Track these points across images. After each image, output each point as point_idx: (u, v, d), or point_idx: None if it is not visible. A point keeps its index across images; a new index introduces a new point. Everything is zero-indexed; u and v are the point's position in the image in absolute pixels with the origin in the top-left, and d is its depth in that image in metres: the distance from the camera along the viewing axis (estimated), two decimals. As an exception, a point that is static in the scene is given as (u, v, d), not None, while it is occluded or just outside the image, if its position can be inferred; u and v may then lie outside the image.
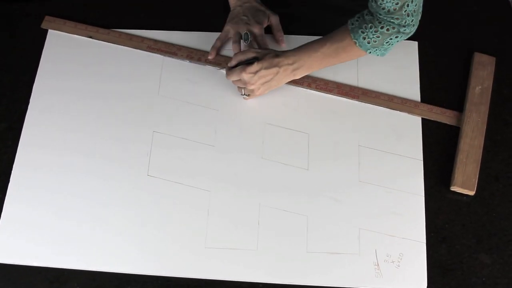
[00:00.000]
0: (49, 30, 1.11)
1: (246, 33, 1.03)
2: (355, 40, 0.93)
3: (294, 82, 1.04)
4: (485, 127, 1.00)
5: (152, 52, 1.08)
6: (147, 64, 1.08)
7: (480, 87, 1.03)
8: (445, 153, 1.00)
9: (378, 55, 0.95)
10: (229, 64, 0.99)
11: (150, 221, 0.96)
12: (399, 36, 0.92)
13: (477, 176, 0.97)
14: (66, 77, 1.07)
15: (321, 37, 0.97)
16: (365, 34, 0.92)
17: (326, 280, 0.91)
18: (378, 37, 0.91)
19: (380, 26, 0.91)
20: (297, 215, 0.95)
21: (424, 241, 0.93)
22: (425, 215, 0.95)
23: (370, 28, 0.91)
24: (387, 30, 0.91)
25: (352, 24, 0.93)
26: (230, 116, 1.03)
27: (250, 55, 0.98)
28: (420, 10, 0.90)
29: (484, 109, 1.02)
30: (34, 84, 1.07)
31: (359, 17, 0.94)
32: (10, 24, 1.14)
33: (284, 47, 1.06)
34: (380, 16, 0.90)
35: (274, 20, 1.07)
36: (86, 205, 0.97)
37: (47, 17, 1.12)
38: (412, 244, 0.93)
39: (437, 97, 1.04)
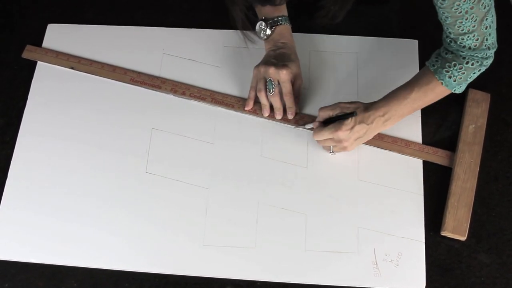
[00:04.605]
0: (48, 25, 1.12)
1: (270, 80, 0.97)
2: (441, 81, 0.91)
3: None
4: (478, 169, 0.97)
5: (135, 85, 1.05)
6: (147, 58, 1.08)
7: (473, 125, 1.00)
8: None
9: (458, 92, 0.93)
10: (318, 120, 0.96)
11: (148, 218, 0.95)
12: (481, 69, 0.91)
13: (469, 221, 0.93)
14: (64, 74, 1.07)
15: (404, 84, 0.94)
16: (450, 73, 0.90)
17: (324, 278, 0.91)
18: (463, 73, 0.90)
19: (465, 62, 0.89)
20: (296, 213, 0.95)
21: (423, 240, 0.93)
22: (424, 214, 0.95)
23: (454, 66, 0.90)
24: (472, 64, 0.89)
25: (433, 65, 0.91)
26: (229, 114, 1.03)
27: (338, 110, 0.94)
28: (496, 43, 0.90)
29: (478, 149, 0.98)
30: (33, 81, 1.07)
31: (437, 58, 0.92)
32: (10, 20, 1.14)
33: (292, 115, 1.00)
34: (463, 53, 0.89)
35: (300, 81, 1.01)
36: (84, 202, 0.97)
37: (28, 46, 1.09)
38: (411, 243, 0.93)
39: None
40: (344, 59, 1.08)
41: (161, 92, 1.05)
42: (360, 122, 0.92)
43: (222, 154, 1.00)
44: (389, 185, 0.97)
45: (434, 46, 1.07)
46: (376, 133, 0.96)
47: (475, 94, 1.03)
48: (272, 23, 1.01)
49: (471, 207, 0.95)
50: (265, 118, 1.02)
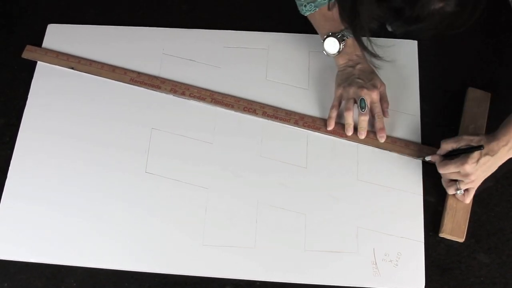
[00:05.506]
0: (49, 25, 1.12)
1: (363, 99, 0.97)
2: None
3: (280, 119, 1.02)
4: None
5: (135, 85, 1.05)
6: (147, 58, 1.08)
7: (473, 125, 0.99)
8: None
9: None
10: (439, 152, 0.94)
11: (148, 218, 0.95)
12: None
13: (467, 223, 0.93)
14: (64, 74, 1.07)
15: None
16: None
17: (324, 278, 0.91)
18: None
19: None
20: (295, 213, 0.95)
21: (423, 240, 0.93)
22: (424, 215, 0.95)
23: None
24: None
25: None
26: (228, 114, 1.03)
27: (463, 143, 0.91)
28: None
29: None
30: (33, 81, 1.07)
31: None
32: (9, 20, 1.14)
33: (388, 117, 1.01)
34: None
35: (383, 87, 1.01)
36: (84, 202, 0.97)
37: (28, 47, 1.09)
38: (411, 243, 0.93)
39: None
40: (343, 59, 1.08)
41: (160, 92, 1.05)
42: (485, 154, 0.90)
43: (222, 154, 1.00)
44: (389, 185, 0.97)
45: (434, 47, 1.08)
46: (500, 164, 0.93)
47: (475, 94, 1.03)
48: (341, 37, 0.99)
49: (469, 209, 0.95)
50: (264, 118, 1.02)
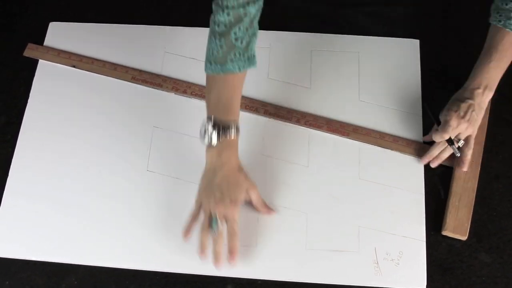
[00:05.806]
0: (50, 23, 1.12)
1: (216, 219, 0.87)
2: None
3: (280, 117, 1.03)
4: (479, 169, 0.97)
5: (137, 83, 1.05)
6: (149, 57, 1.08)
7: None
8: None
9: None
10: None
11: (149, 216, 0.95)
12: None
13: (470, 221, 0.93)
14: (66, 72, 1.07)
15: (482, 52, 0.94)
16: None
17: (325, 277, 0.91)
18: None
19: None
20: (297, 212, 0.95)
21: (424, 239, 0.93)
22: (425, 214, 0.95)
23: None
24: None
25: (500, 21, 0.90)
26: (230, 113, 1.03)
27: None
28: None
29: (479, 149, 0.98)
30: (34, 79, 1.07)
31: (498, 12, 0.90)
32: (11, 18, 1.14)
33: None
34: None
35: (254, 195, 0.91)
36: (85, 200, 0.97)
37: (29, 45, 1.09)
38: (412, 242, 0.93)
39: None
40: (345, 58, 1.08)
41: (162, 90, 1.05)
42: (462, 100, 0.93)
43: (223, 153, 1.00)
44: (390, 184, 0.97)
45: (435, 46, 1.08)
46: (484, 107, 0.95)
47: None
48: (222, 130, 0.87)
49: (472, 207, 0.95)
50: (266, 116, 1.02)
